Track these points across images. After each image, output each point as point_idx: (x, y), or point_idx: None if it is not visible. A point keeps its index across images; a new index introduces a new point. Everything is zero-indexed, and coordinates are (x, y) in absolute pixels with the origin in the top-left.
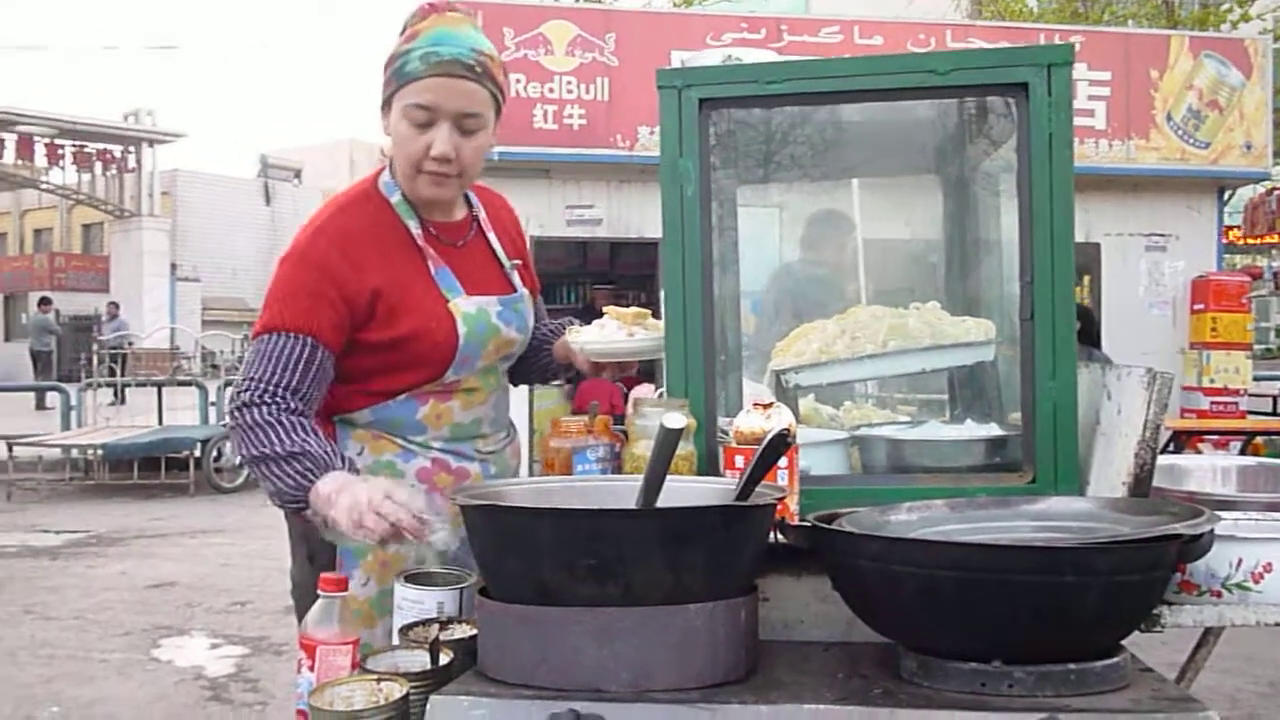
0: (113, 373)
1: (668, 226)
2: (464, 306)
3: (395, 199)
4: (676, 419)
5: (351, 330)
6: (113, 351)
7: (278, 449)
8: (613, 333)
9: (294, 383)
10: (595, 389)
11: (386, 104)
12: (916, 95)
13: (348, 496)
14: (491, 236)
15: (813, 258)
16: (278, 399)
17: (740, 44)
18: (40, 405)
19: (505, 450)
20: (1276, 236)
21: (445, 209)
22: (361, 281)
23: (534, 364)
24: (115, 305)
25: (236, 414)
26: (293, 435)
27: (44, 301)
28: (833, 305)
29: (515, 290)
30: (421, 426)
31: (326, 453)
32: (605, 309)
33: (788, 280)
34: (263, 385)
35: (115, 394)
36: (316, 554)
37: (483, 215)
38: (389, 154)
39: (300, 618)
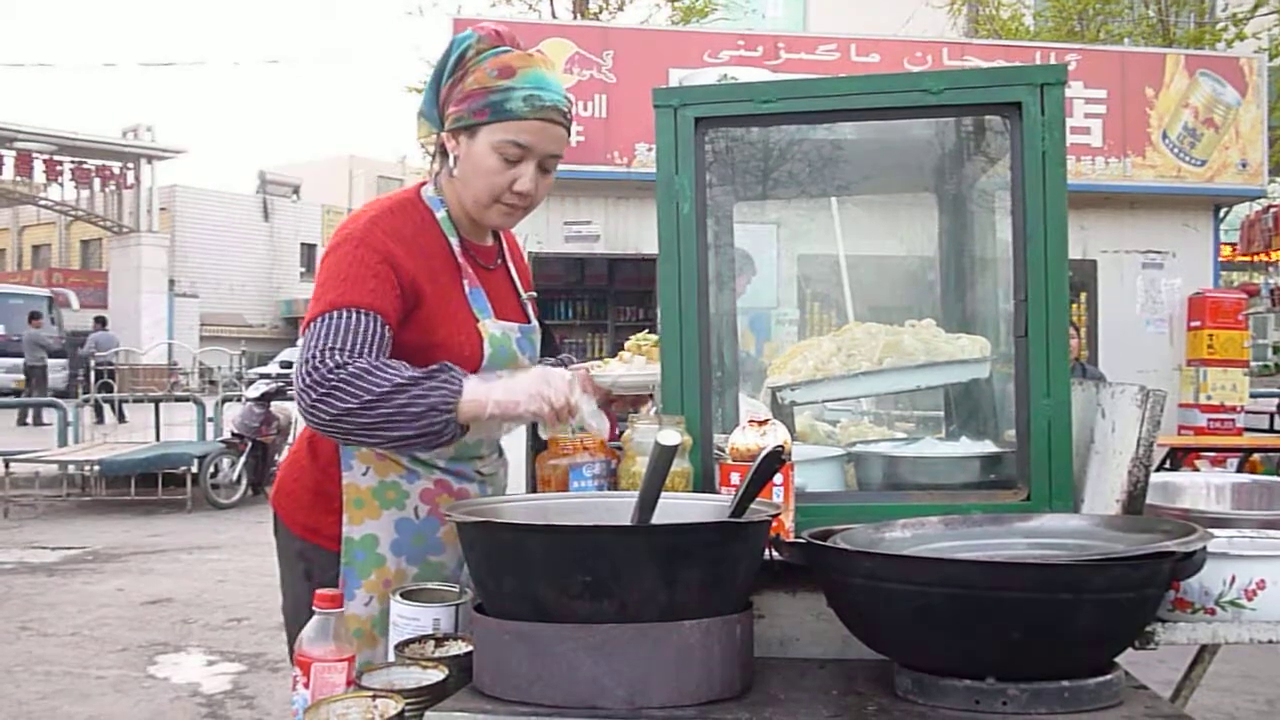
0: (104, 389)
1: (664, 244)
2: (491, 329)
3: (440, 214)
4: (671, 436)
5: (397, 323)
6: (109, 368)
7: (402, 377)
8: (640, 366)
9: (373, 355)
10: None
11: (468, 130)
12: (910, 115)
13: (515, 381)
14: (512, 267)
15: None
16: (365, 357)
17: (738, 61)
18: (36, 421)
19: (500, 472)
20: (1273, 254)
21: (481, 233)
22: (413, 277)
23: None
24: (101, 320)
25: (330, 374)
26: (407, 368)
27: (35, 316)
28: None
29: (530, 322)
30: None
31: (449, 367)
32: (627, 342)
33: None
34: (345, 351)
35: (114, 408)
36: (314, 571)
37: (505, 245)
38: (457, 175)
39: (292, 635)
